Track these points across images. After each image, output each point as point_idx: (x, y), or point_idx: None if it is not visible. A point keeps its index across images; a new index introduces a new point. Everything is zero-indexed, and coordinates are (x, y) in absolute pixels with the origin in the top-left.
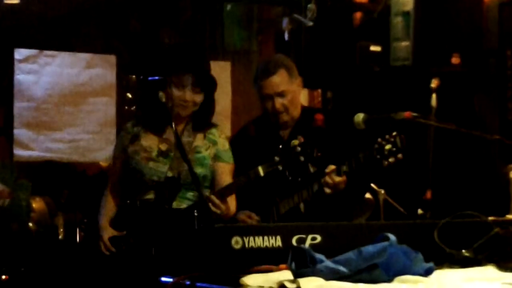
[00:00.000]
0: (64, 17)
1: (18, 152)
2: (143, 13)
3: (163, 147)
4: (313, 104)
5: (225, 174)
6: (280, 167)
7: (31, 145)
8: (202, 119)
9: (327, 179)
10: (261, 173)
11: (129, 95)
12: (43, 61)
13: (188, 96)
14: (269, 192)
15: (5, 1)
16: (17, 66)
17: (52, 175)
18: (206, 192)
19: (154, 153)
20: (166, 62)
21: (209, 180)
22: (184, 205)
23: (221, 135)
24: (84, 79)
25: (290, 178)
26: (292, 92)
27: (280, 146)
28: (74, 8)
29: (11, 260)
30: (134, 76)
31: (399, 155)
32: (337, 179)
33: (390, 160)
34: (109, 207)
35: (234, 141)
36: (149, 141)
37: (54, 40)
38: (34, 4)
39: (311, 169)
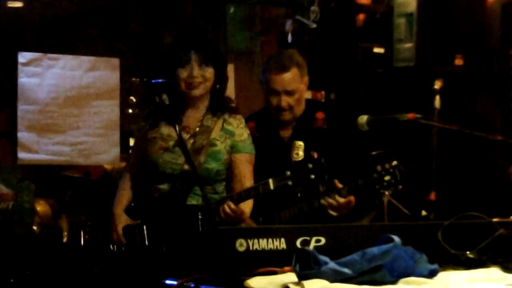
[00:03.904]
0: (67, 20)
1: (22, 155)
2: (146, 15)
3: (184, 135)
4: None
5: (242, 166)
6: (290, 183)
7: (35, 148)
8: (218, 98)
9: (330, 200)
10: (271, 186)
11: (133, 98)
12: (46, 64)
13: (196, 72)
14: (270, 201)
15: (9, 5)
16: (21, 69)
17: (55, 177)
18: (222, 186)
19: (172, 143)
20: (173, 47)
21: (223, 174)
22: (196, 202)
23: (239, 125)
24: (88, 82)
25: (298, 195)
26: (299, 91)
27: (293, 161)
28: (77, 11)
29: (15, 263)
30: (137, 79)
31: (399, 187)
32: (341, 200)
33: (388, 192)
34: (124, 196)
35: None
36: (169, 130)
37: (58, 43)
38: (37, 8)
39: (321, 188)
